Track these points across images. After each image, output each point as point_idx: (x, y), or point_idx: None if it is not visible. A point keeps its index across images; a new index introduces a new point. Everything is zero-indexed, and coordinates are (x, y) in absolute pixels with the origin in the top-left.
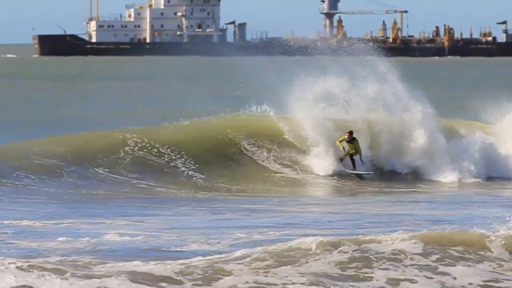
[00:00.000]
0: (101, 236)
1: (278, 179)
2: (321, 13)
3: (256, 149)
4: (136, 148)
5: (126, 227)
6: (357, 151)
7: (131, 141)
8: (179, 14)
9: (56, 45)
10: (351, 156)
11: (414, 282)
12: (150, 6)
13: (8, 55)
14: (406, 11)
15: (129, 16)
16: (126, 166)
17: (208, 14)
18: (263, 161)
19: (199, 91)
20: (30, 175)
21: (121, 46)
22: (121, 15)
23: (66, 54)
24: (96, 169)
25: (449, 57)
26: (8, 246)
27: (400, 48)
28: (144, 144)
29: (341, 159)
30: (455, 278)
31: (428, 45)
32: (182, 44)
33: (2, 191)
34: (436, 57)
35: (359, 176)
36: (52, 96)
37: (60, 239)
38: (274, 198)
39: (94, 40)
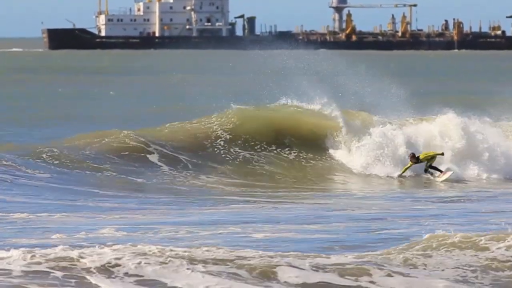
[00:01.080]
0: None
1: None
2: (330, 7)
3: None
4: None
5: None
6: (429, 160)
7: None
8: (188, 8)
9: (65, 39)
10: (430, 166)
11: None
12: (159, 0)
13: (15, 49)
14: (415, 5)
15: (138, 10)
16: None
17: (217, 8)
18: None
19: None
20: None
21: (130, 40)
22: (130, 9)
23: (75, 48)
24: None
25: (463, 50)
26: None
27: (409, 42)
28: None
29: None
30: None
31: (437, 39)
32: (191, 38)
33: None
34: (448, 51)
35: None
36: (80, 90)
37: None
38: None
39: (103, 34)
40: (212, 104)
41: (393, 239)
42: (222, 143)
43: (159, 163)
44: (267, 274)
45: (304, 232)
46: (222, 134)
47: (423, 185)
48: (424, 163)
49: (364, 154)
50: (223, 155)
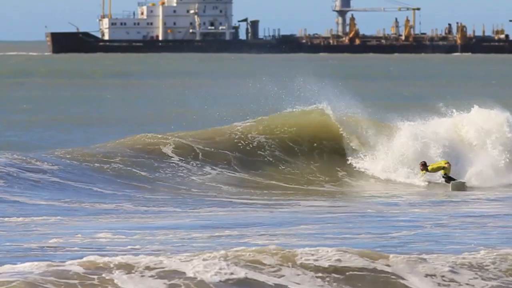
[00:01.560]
0: None
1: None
2: (334, 10)
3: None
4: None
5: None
6: (441, 170)
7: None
8: (192, 11)
9: (69, 42)
10: (447, 177)
11: None
12: (163, 3)
13: (21, 53)
14: (418, 9)
15: (142, 13)
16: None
17: (220, 11)
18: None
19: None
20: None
21: (133, 43)
22: (134, 13)
23: (78, 51)
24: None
25: (464, 54)
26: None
27: (412, 45)
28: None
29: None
30: None
31: (440, 42)
32: (194, 42)
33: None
34: (449, 54)
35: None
36: (106, 93)
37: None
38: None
39: (106, 37)
40: (244, 108)
41: None
42: (259, 147)
43: (206, 167)
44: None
45: None
46: (259, 138)
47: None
48: (438, 173)
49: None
50: (265, 160)
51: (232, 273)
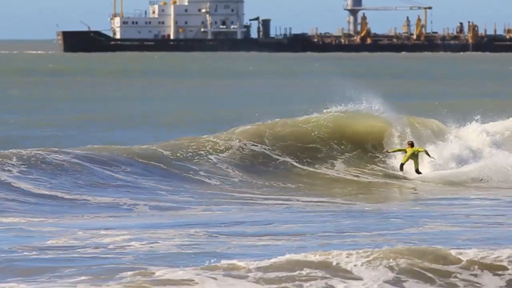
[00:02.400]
0: None
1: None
2: (345, 9)
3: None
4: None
5: None
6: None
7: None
8: (203, 10)
9: (80, 41)
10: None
11: None
12: (174, 2)
13: (31, 51)
14: (430, 7)
15: (153, 12)
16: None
17: (232, 10)
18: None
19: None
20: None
21: (145, 42)
22: (145, 12)
23: (90, 50)
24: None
25: (475, 52)
26: None
27: (424, 44)
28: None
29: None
30: None
31: (452, 42)
32: (206, 41)
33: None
34: (461, 53)
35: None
36: (144, 92)
37: None
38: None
39: (118, 36)
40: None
41: None
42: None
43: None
44: None
45: None
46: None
47: None
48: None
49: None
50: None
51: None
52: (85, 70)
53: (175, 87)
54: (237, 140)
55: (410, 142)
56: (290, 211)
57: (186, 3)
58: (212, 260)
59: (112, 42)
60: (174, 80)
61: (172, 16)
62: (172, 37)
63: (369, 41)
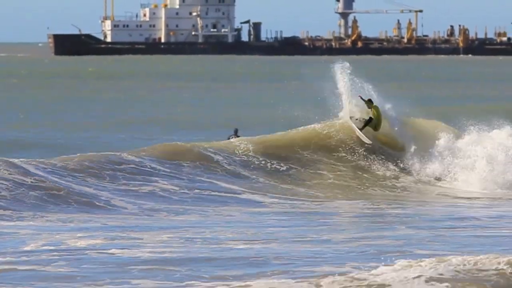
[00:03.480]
0: None
1: None
2: (336, 12)
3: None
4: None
5: None
6: (373, 117)
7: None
8: (194, 14)
9: (71, 44)
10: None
11: None
12: (165, 5)
13: (20, 54)
14: (421, 11)
15: (144, 15)
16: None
17: (223, 14)
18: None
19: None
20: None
21: (136, 46)
22: (136, 15)
23: (81, 53)
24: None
25: (464, 56)
26: None
27: (415, 48)
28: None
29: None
30: None
31: (443, 45)
32: (197, 44)
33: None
34: (451, 56)
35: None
36: (162, 95)
37: None
38: None
39: (109, 39)
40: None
41: None
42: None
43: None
44: None
45: None
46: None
47: None
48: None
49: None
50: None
51: None
52: (128, 74)
53: (197, 91)
54: None
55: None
56: None
57: (177, 6)
58: None
59: (103, 45)
60: (199, 84)
61: (163, 19)
62: (163, 40)
63: (360, 44)
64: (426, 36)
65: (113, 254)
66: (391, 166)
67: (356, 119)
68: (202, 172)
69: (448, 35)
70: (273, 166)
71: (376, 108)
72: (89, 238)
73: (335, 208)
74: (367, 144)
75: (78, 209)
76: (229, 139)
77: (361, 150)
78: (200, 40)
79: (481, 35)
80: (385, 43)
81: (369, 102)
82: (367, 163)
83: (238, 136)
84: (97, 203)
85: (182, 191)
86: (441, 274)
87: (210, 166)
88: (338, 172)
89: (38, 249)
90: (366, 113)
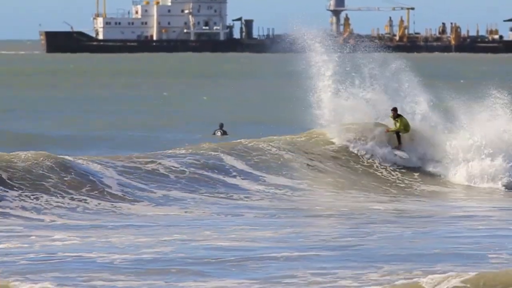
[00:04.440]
0: None
1: None
2: (328, 10)
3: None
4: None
5: None
6: (400, 129)
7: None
8: (186, 11)
9: (63, 42)
10: (397, 133)
11: None
12: (157, 3)
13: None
14: (412, 8)
15: (136, 12)
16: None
17: (215, 11)
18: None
19: None
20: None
21: (128, 43)
22: (128, 12)
23: (73, 51)
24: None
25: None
26: None
27: (406, 46)
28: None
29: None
30: None
31: (435, 43)
32: (188, 42)
33: None
34: (442, 53)
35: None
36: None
37: None
38: None
39: (101, 37)
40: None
41: None
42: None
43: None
44: None
45: None
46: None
47: None
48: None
49: None
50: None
51: None
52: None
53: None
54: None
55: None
56: None
57: (169, 4)
58: None
59: (95, 43)
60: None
61: (155, 17)
62: (155, 37)
63: (352, 42)
64: (418, 33)
65: None
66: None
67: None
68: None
69: (440, 33)
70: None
71: (401, 119)
72: None
73: None
74: (404, 158)
75: None
76: (214, 134)
77: None
78: (192, 38)
79: (473, 33)
80: (376, 41)
81: (395, 112)
82: None
83: (224, 131)
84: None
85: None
86: None
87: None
88: None
89: None
90: (392, 124)
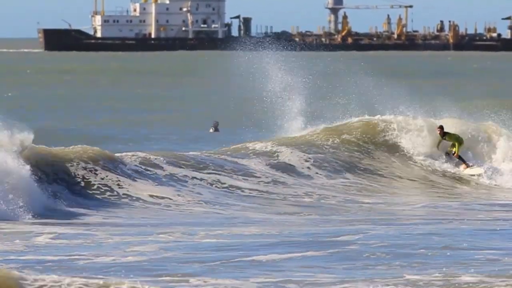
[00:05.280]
0: None
1: None
2: (326, 8)
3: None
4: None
5: None
6: (454, 144)
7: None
8: (185, 9)
9: (62, 39)
10: (459, 157)
11: None
12: (156, 1)
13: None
14: (411, 6)
15: (134, 10)
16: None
17: (213, 9)
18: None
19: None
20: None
21: (126, 41)
22: (127, 10)
23: (71, 49)
24: None
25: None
26: None
27: (405, 44)
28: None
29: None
30: None
31: (433, 41)
32: (187, 40)
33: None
34: (441, 51)
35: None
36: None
37: None
38: None
39: (99, 35)
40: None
41: None
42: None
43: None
44: None
45: None
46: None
47: None
48: (448, 144)
49: None
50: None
51: None
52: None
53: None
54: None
55: (440, 127)
56: None
57: (168, 2)
58: None
59: (93, 41)
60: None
61: (153, 15)
62: (153, 35)
63: (350, 41)
64: (416, 31)
65: None
66: None
67: (447, 153)
68: None
69: (438, 31)
70: None
71: (449, 135)
72: None
73: None
74: (479, 174)
75: None
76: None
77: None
78: (190, 36)
79: (471, 31)
80: (375, 39)
81: (441, 130)
82: None
83: (216, 128)
84: None
85: None
86: None
87: None
88: None
89: None
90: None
